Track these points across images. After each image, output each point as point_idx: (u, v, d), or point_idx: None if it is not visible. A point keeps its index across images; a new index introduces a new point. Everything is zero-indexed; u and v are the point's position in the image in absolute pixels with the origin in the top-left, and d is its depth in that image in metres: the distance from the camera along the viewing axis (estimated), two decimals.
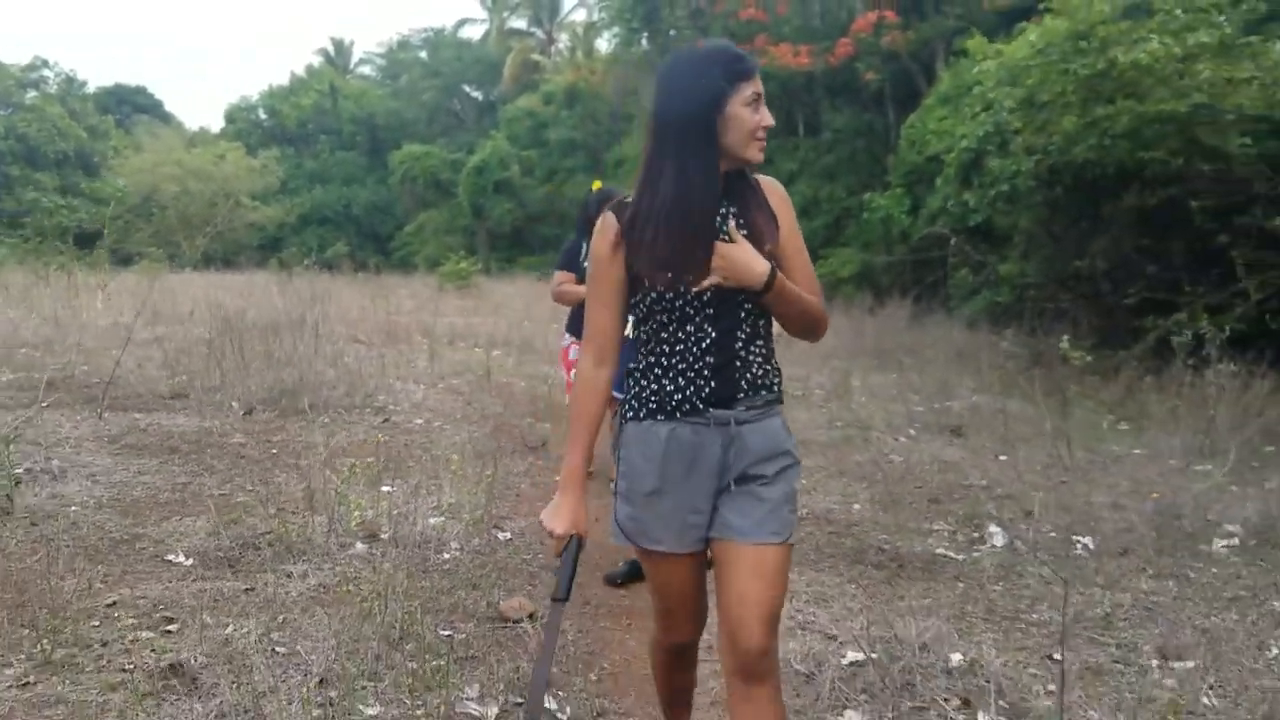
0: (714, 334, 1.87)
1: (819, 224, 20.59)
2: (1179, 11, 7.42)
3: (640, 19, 25.22)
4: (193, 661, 2.65)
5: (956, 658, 2.94)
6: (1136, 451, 6.06)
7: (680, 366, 1.89)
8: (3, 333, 8.63)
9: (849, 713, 2.65)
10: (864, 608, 3.45)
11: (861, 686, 2.80)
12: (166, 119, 50.24)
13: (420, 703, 2.52)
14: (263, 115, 41.36)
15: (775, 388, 1.94)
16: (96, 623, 2.95)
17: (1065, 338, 7.27)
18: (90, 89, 47.09)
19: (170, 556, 3.56)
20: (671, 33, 25.11)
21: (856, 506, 4.92)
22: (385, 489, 4.51)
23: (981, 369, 8.79)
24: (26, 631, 2.82)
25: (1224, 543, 4.36)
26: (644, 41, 26.58)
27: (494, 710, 2.55)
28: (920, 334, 11.64)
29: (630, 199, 1.89)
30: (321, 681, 2.58)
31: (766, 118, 1.86)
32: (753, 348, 1.90)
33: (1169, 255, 9.39)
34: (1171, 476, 5.37)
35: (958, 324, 12.52)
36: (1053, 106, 8.45)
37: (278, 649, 2.78)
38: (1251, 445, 5.78)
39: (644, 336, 1.95)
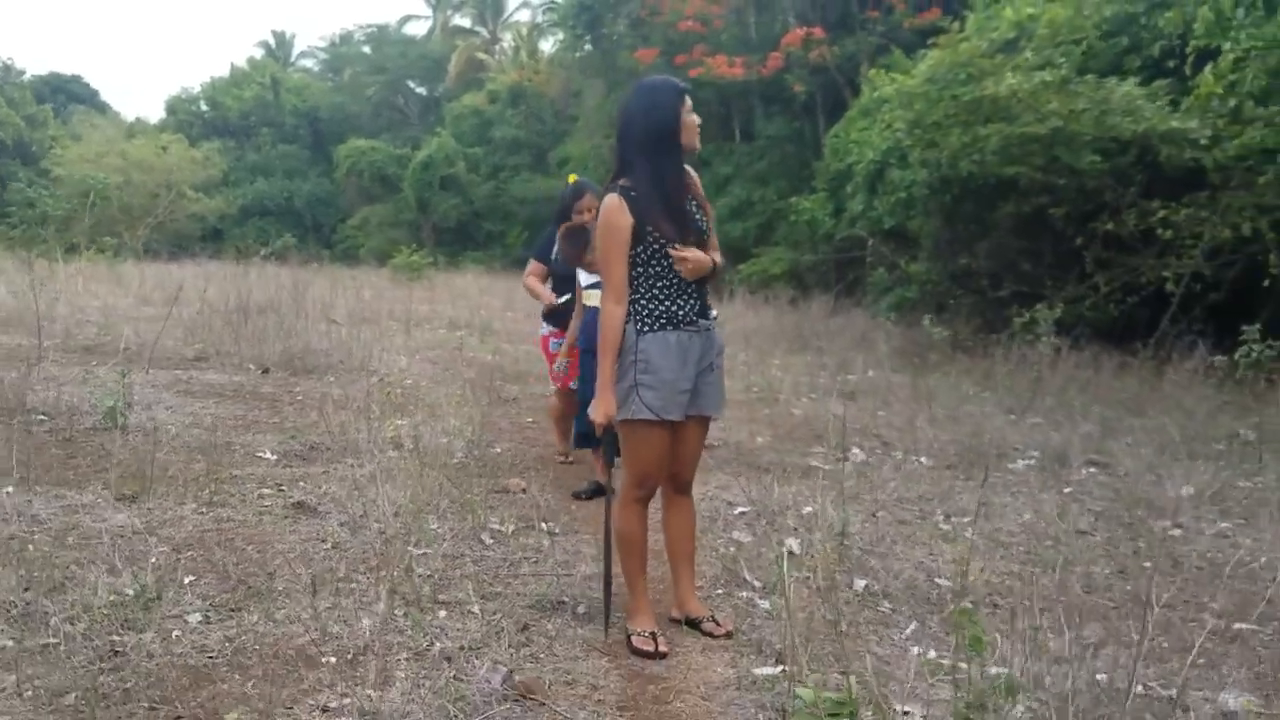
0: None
1: (751, 224, 22.31)
2: (1028, 54, 9.19)
3: (584, 25, 26.70)
4: (310, 498, 4.13)
5: (808, 510, 4.54)
6: (986, 409, 7.78)
7: (677, 293, 2.97)
8: (17, 307, 9.83)
9: (735, 532, 4.24)
10: (751, 490, 5.04)
11: (744, 522, 4.39)
12: (103, 109, 50.31)
13: (463, 522, 4.04)
14: (204, 107, 41.94)
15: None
16: (229, 485, 4.41)
17: (927, 318, 9.00)
18: (26, 77, 47.08)
19: (259, 453, 5.02)
20: (615, 35, 26.65)
21: (760, 439, 6.53)
22: (397, 422, 5.98)
23: (879, 351, 10.50)
24: (190, 485, 4.27)
25: (1024, 462, 6.06)
26: (588, 45, 28.07)
27: (511, 527, 4.08)
28: (834, 323, 13.34)
29: (625, 186, 2.94)
30: (396, 513, 4.07)
31: (697, 118, 3.03)
32: (708, 281, 3.06)
33: (1040, 255, 11.21)
34: (1002, 422, 7.08)
35: (868, 316, 14.24)
36: (938, 127, 10.18)
37: (359, 500, 4.26)
38: (1068, 401, 7.53)
39: (651, 276, 2.96)
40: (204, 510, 4.03)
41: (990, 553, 4.15)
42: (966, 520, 4.59)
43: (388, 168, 35.46)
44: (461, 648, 2.86)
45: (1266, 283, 8.31)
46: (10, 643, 2.68)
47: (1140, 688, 2.80)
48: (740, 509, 4.60)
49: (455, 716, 2.44)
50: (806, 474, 5.55)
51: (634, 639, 2.97)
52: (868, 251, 16.86)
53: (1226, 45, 8.37)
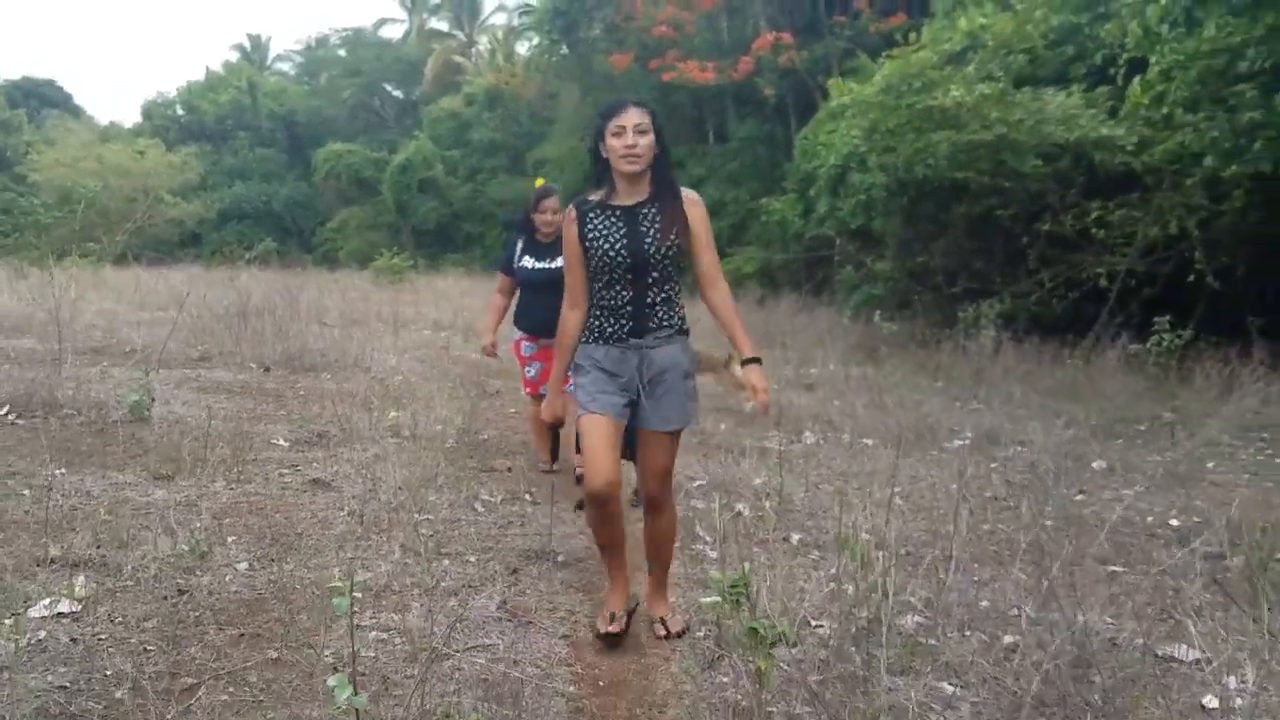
0: (631, 293, 3.09)
1: (725, 224, 23.01)
2: (970, 68, 9.93)
3: (559, 30, 27.35)
4: (324, 476, 4.78)
5: (758, 481, 5.23)
6: (932, 397, 8.50)
7: (608, 312, 3.11)
8: (24, 313, 10.38)
9: (693, 501, 4.92)
10: (710, 466, 5.73)
11: (702, 492, 5.08)
12: (77, 113, 50.42)
13: (458, 494, 4.70)
14: (180, 111, 42.27)
15: (675, 324, 3.14)
16: (252, 466, 5.05)
17: (878, 313, 9.73)
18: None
19: (274, 440, 5.66)
20: (591, 39, 27.29)
21: (723, 425, 7.22)
22: (393, 413, 6.63)
23: (840, 346, 11.22)
24: (218, 466, 4.91)
25: (959, 442, 6.77)
26: (564, 49, 28.73)
27: (499, 498, 4.74)
28: (800, 320, 14.05)
29: (580, 199, 3.15)
30: (400, 487, 4.73)
31: (627, 140, 3.00)
32: (660, 305, 3.11)
33: (991, 253, 11.97)
34: (944, 408, 7.80)
35: (834, 313, 14.96)
36: (893, 134, 10.91)
37: (368, 477, 4.91)
38: (1007, 388, 8.27)
39: (593, 291, 3.15)
40: (233, 486, 4.67)
41: (914, 514, 4.85)
42: (898, 489, 5.29)
43: (366, 171, 35.96)
44: (463, 586, 3.53)
45: (1191, 278, 9.05)
46: (95, 585, 3.33)
47: (1015, 610, 3.50)
48: (699, 482, 5.28)
49: (461, 631, 3.10)
50: (763, 454, 6.23)
51: (598, 618, 3.22)
52: (835, 251, 17.65)
53: (1153, 58, 9.12)
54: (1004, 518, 4.91)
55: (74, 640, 2.92)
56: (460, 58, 40.06)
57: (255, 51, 48.80)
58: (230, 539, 3.90)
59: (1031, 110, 9.55)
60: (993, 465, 6.06)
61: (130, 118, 55.69)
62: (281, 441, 5.69)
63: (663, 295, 3.13)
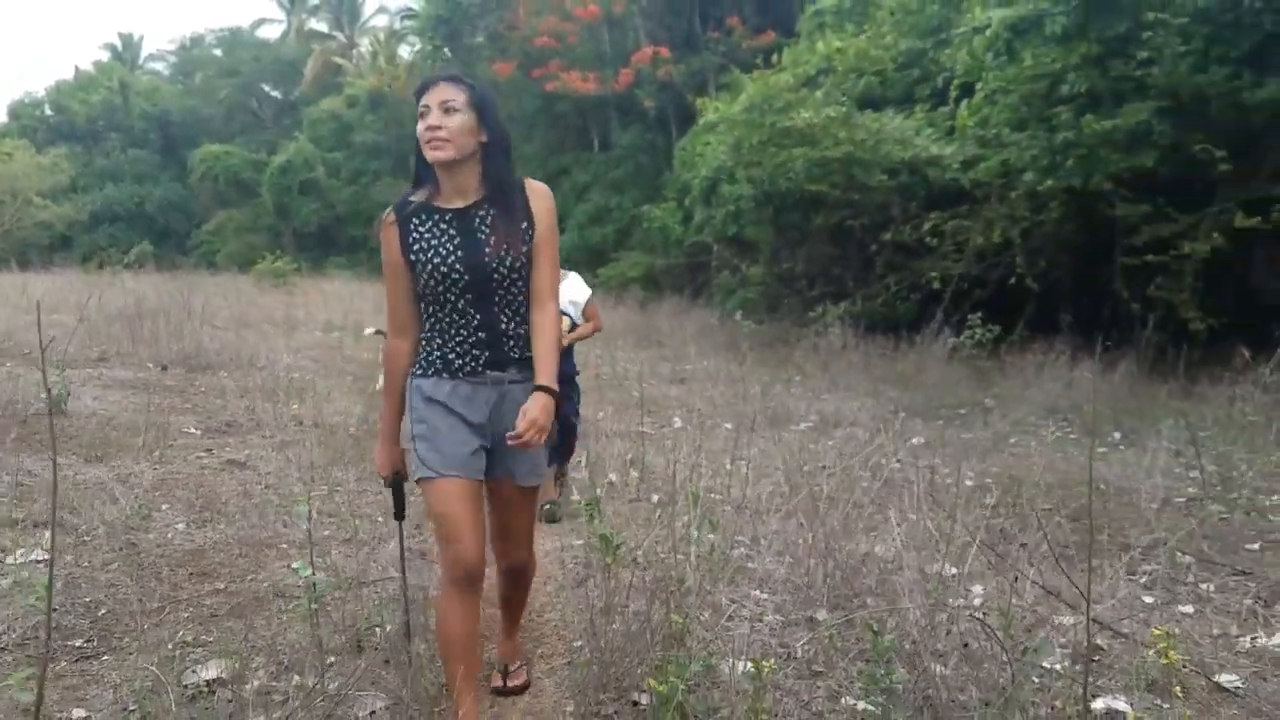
0: (479, 317, 2.47)
1: (610, 230, 23.95)
2: (819, 94, 11.05)
3: (442, 36, 27.84)
4: (239, 458, 5.42)
5: (629, 457, 6.07)
6: (788, 388, 9.52)
7: (452, 337, 2.50)
8: None
9: (574, 473, 5.72)
10: (589, 446, 6.55)
11: (582, 467, 5.90)
12: None
13: (362, 471, 5.40)
14: (49, 111, 40.95)
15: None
16: (171, 450, 5.64)
17: (738, 313, 10.74)
18: None
19: (186, 429, 6.24)
20: (474, 46, 27.86)
21: (601, 414, 8.04)
22: (295, 405, 7.24)
23: (714, 344, 12.21)
24: (140, 450, 5.49)
25: (805, 424, 7.76)
26: (447, 53, 29.19)
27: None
28: (680, 321, 15.02)
29: (411, 197, 2.55)
30: (311, 465, 5.39)
31: (429, 119, 2.39)
32: (517, 326, 2.52)
33: (847, 259, 13.15)
34: (798, 397, 8.81)
35: (712, 314, 15.99)
36: (757, 149, 11.95)
37: (280, 458, 5.56)
38: (851, 380, 9.34)
39: (425, 311, 2.54)
40: (158, 466, 5.27)
41: (755, 480, 5.77)
42: (743, 461, 6.21)
43: (244, 172, 35.62)
44: (375, 538, 4.26)
45: (1012, 280, 10.32)
46: (60, 540, 3.94)
47: (825, 544, 4.42)
48: (579, 459, 6.09)
49: (377, 566, 3.84)
50: (637, 437, 7.08)
51: None
52: (713, 256, 18.74)
53: (979, 84, 10.36)
54: (829, 481, 5.87)
55: (58, 577, 3.55)
56: (341, 59, 39.94)
57: (127, 51, 47.50)
58: (164, 506, 4.54)
59: (873, 131, 10.70)
60: (830, 442, 7.05)
61: None
62: (194, 430, 6.27)
63: (517, 314, 2.53)
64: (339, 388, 8.08)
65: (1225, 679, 3.18)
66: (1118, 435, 7.24)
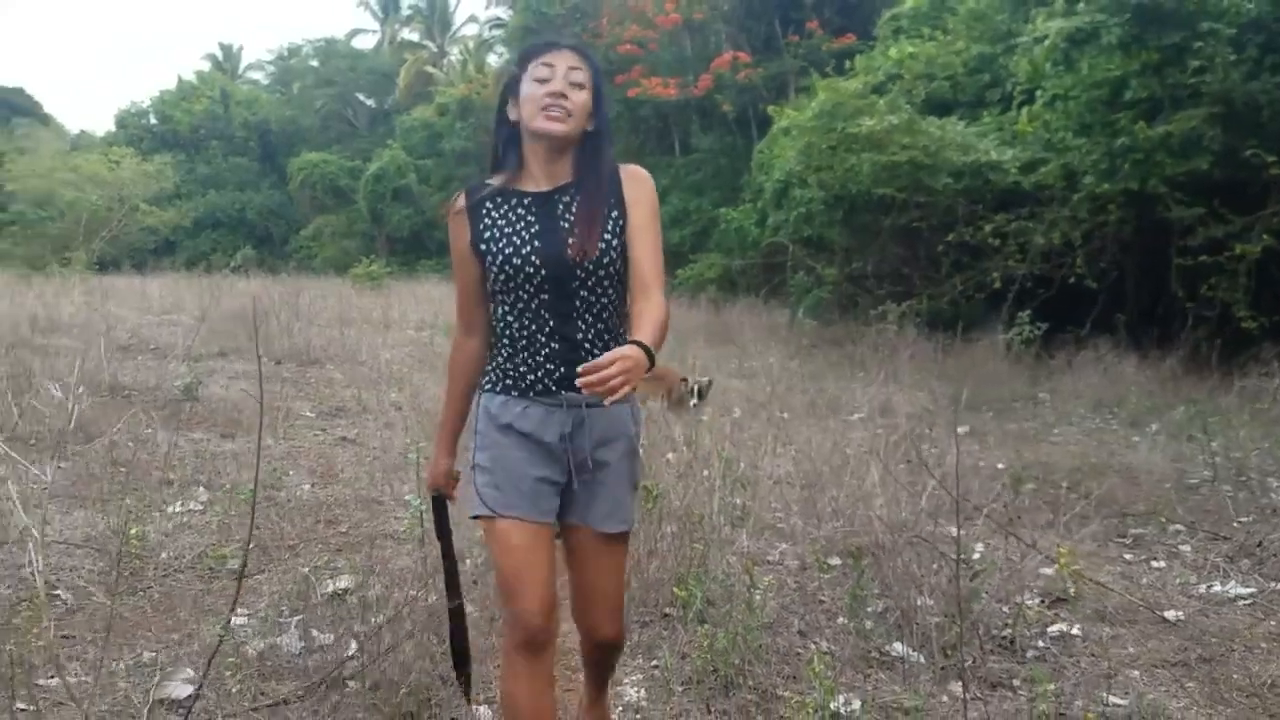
0: (554, 321, 2.12)
1: (688, 232, 24.74)
2: (882, 103, 11.66)
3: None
4: (349, 436, 6.38)
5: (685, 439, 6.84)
6: (850, 382, 10.18)
7: (526, 347, 2.14)
8: (50, 316, 11.87)
9: None
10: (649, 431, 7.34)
11: (641, 449, 6.70)
12: (46, 121, 51.56)
13: None
14: (154, 120, 43.51)
15: None
16: (292, 429, 6.62)
17: (800, 311, 11.41)
18: None
19: (303, 413, 7.24)
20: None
21: (653, 404, 8.84)
22: (394, 394, 8.21)
23: (781, 341, 12.91)
24: (266, 429, 6.48)
25: (859, 414, 8.44)
26: None
27: None
28: (753, 321, 15.74)
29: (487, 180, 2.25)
30: (409, 442, 6.30)
31: (554, 85, 2.07)
32: (598, 338, 2.14)
33: (916, 260, 13.70)
34: (856, 390, 9.48)
35: (783, 314, 16.65)
36: (824, 154, 12.60)
37: (383, 437, 6.49)
38: (909, 374, 9.96)
39: (497, 314, 2.20)
40: (282, 441, 6.26)
41: (802, 460, 6.50)
42: (792, 447, 6.94)
43: (340, 179, 37.40)
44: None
45: (1072, 280, 10.80)
46: (207, 494, 4.91)
47: (850, 509, 5.13)
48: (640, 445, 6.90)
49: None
50: (697, 424, 7.86)
51: None
52: (789, 257, 19.39)
53: (1039, 91, 10.87)
54: (865, 459, 6.56)
55: (206, 522, 4.52)
56: (432, 68, 41.57)
57: (228, 61, 50.10)
58: (291, 472, 5.50)
59: (935, 137, 11.27)
60: (878, 430, 7.72)
61: (100, 126, 56.80)
62: (309, 413, 7.27)
63: (601, 324, 2.17)
64: (431, 379, 9.03)
65: (1170, 614, 3.82)
66: (1155, 426, 7.75)
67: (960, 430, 7.80)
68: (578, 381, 1.82)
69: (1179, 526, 4.97)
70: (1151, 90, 10.11)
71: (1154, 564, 4.46)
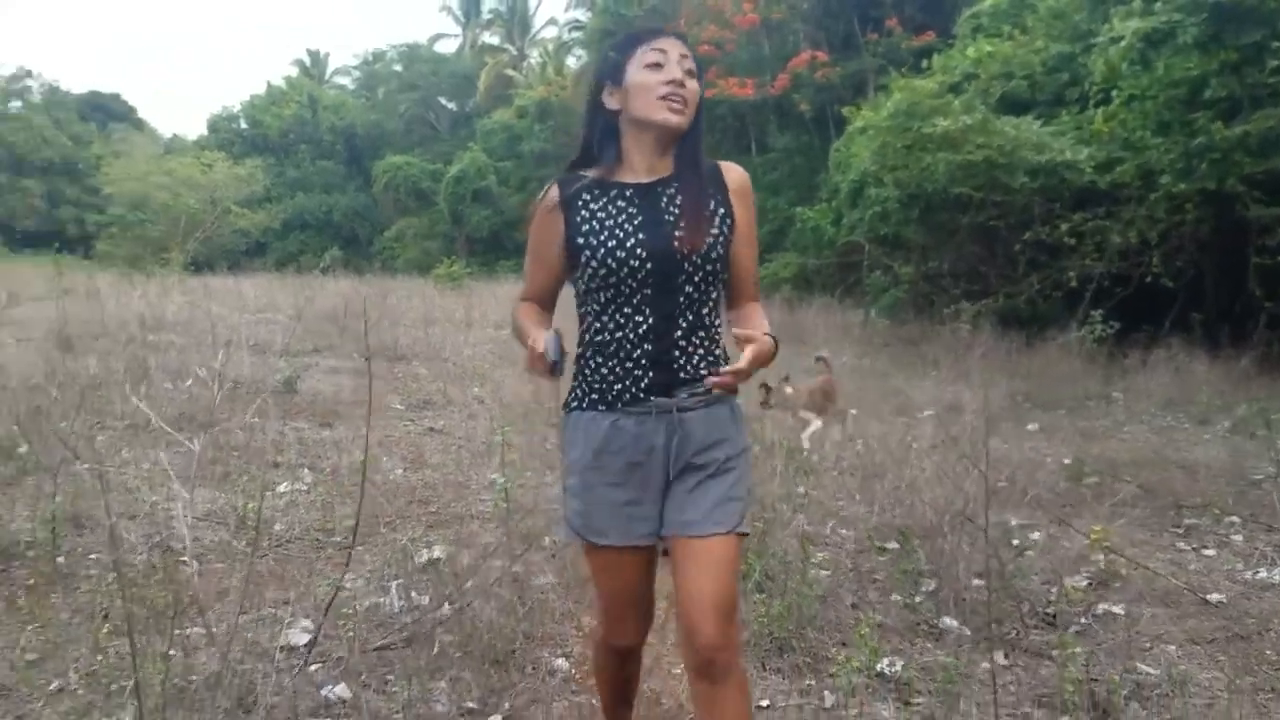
0: (651, 320, 2.00)
1: (765, 231, 24.92)
2: (957, 103, 11.79)
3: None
4: (436, 426, 6.84)
5: (770, 440, 7.15)
6: (922, 380, 10.36)
7: (615, 353, 2.02)
8: (151, 316, 12.66)
9: None
10: None
11: None
12: (140, 126, 53.92)
13: (532, 436, 6.70)
14: (244, 125, 45.20)
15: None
16: (384, 420, 7.11)
17: (872, 310, 11.60)
18: (69, 96, 50.69)
19: (393, 405, 7.74)
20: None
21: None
22: (476, 389, 8.68)
23: (854, 340, 13.12)
24: (359, 420, 6.98)
25: (929, 412, 8.65)
26: None
27: None
28: (825, 319, 15.94)
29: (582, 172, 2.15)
30: (491, 431, 6.73)
31: (671, 73, 1.97)
32: (694, 337, 2.02)
33: (993, 258, 13.77)
34: (927, 388, 9.67)
35: (859, 313, 16.81)
36: (899, 154, 12.77)
37: (467, 427, 6.94)
38: (981, 373, 10.11)
39: (585, 319, 2.09)
40: (375, 430, 6.73)
41: (867, 453, 6.78)
42: (859, 442, 7.21)
43: (422, 182, 38.47)
44: (544, 483, 5.53)
45: (1148, 279, 10.82)
46: (311, 475, 5.39)
47: (910, 499, 5.40)
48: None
49: (543, 499, 5.10)
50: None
51: None
52: (865, 256, 19.51)
53: (1115, 91, 10.92)
54: (930, 453, 6.81)
55: (311, 500, 4.99)
56: (512, 71, 42.43)
57: (315, 67, 51.79)
58: (384, 458, 5.97)
59: (1010, 136, 11.37)
60: (946, 427, 7.93)
61: (192, 131, 59.20)
62: (399, 405, 7.78)
63: (699, 323, 2.05)
64: (511, 375, 9.49)
65: (1213, 597, 4.03)
66: (1227, 424, 7.81)
67: (1030, 427, 7.98)
68: (709, 381, 1.96)
69: (1234, 518, 5.13)
70: (1230, 89, 10.11)
71: (1204, 552, 4.64)
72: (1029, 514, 5.31)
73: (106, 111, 54.57)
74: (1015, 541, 4.59)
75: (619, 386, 2.03)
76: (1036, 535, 4.90)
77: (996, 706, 2.80)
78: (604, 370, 2.05)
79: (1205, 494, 5.59)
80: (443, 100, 45.76)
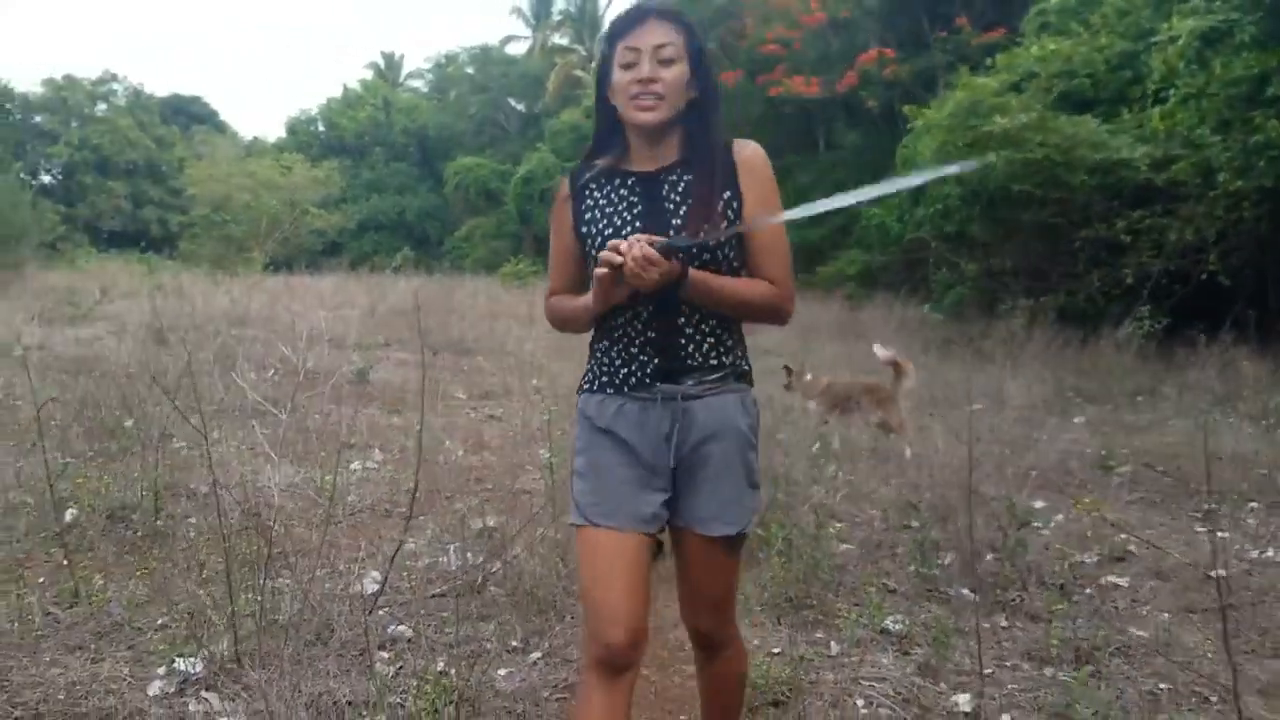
0: (653, 309, 2.02)
1: (828, 229, 25.16)
2: (1014, 101, 11.95)
3: None
4: (496, 414, 7.33)
5: (822, 430, 7.51)
6: (976, 375, 10.58)
7: (621, 338, 2.05)
8: (235, 312, 13.43)
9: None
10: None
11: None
12: (222, 128, 55.76)
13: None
14: (321, 127, 46.60)
15: (730, 364, 2.07)
16: (449, 408, 7.63)
17: (925, 306, 11.81)
18: (152, 99, 52.61)
19: (456, 395, 8.27)
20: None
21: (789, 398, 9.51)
22: (535, 381, 9.16)
23: (911, 336, 13.35)
24: (427, 406, 7.50)
25: (977, 405, 8.89)
26: None
27: None
28: (885, 316, 16.17)
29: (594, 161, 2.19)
30: (547, 418, 7.20)
31: (640, 72, 1.96)
32: (703, 325, 2.03)
33: (1055, 255, 13.87)
34: (980, 382, 9.90)
35: (921, 309, 16.97)
36: (960, 151, 12.96)
37: (524, 416, 7.41)
38: (1034, 368, 10.31)
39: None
40: (440, 417, 7.26)
41: (925, 441, 7.10)
42: (905, 438, 7.51)
43: (491, 183, 39.30)
44: None
45: (1204, 276, 10.89)
46: (381, 455, 5.90)
47: (943, 485, 5.72)
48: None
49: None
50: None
51: None
52: (930, 253, 19.63)
53: (1172, 90, 11.01)
54: (966, 443, 7.08)
55: (381, 476, 5.50)
56: (581, 72, 43.01)
57: (389, 70, 53.08)
58: (447, 441, 6.46)
59: (1068, 134, 11.51)
60: (997, 419, 8.18)
61: (271, 133, 61.05)
62: (462, 395, 8.30)
63: (705, 313, 2.05)
64: (569, 368, 9.97)
65: (1215, 572, 4.29)
66: (1273, 420, 7.94)
67: (1077, 420, 8.21)
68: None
69: (1254, 504, 5.36)
70: None
71: (1218, 535, 4.90)
72: (1053, 497, 5.61)
73: (189, 114, 56.45)
74: (1035, 523, 4.89)
75: (625, 371, 2.06)
76: (1060, 517, 5.19)
77: (980, 654, 3.14)
78: (611, 354, 2.09)
79: (1231, 483, 5.81)
80: (512, 101, 46.59)
